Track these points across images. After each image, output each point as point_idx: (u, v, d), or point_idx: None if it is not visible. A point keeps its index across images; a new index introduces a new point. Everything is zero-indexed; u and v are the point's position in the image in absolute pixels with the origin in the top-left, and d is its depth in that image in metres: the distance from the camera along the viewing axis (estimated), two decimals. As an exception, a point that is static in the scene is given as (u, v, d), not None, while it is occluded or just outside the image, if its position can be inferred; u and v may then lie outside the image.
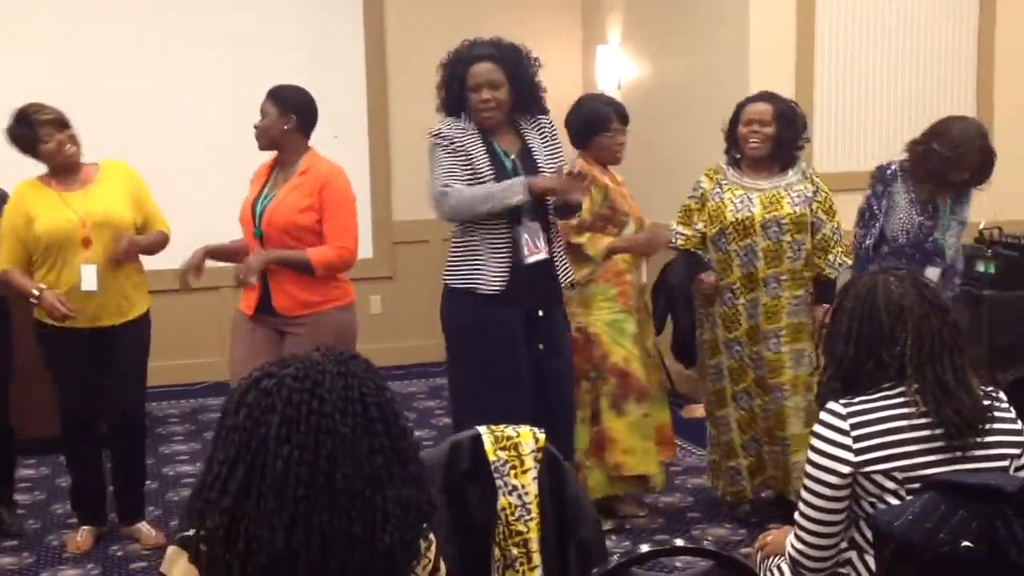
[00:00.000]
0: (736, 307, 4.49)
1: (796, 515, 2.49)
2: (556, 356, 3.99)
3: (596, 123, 4.56)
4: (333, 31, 7.28)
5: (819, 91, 5.89)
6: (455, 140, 3.88)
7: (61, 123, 4.27)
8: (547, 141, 4.03)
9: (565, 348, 4.09)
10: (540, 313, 3.93)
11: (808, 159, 5.22)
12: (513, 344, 3.87)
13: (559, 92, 7.53)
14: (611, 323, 4.52)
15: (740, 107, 4.52)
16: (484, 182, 3.83)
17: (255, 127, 4.19)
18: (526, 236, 3.85)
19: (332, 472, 1.64)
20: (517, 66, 3.95)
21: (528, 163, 3.92)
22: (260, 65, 6.41)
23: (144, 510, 4.64)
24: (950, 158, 4.26)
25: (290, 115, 4.16)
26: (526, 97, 3.97)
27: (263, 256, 4.08)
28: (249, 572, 1.62)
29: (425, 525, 1.75)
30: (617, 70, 7.25)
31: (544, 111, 4.07)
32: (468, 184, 3.84)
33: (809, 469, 2.42)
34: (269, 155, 4.31)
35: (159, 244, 4.42)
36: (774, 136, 4.42)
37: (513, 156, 3.93)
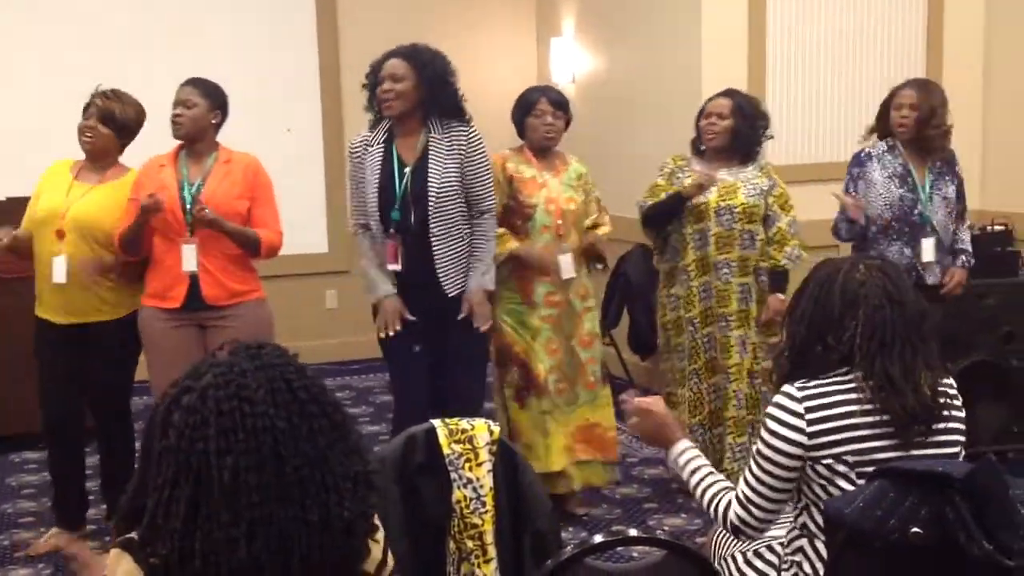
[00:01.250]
0: (691, 289, 4.65)
1: (742, 486, 2.49)
2: (441, 348, 4.20)
3: (525, 106, 4.61)
4: (286, 24, 7.24)
5: (770, 84, 5.93)
6: (356, 156, 4.22)
7: (102, 113, 4.24)
8: (456, 151, 4.14)
9: (456, 342, 4.21)
10: (413, 318, 4.15)
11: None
12: (396, 341, 4.16)
13: (513, 84, 7.52)
14: (511, 312, 4.56)
15: (704, 105, 4.71)
16: (369, 197, 4.14)
17: (176, 115, 4.17)
18: (389, 245, 4.14)
19: (281, 468, 1.63)
20: (428, 65, 4.10)
21: (418, 178, 4.10)
22: (210, 59, 6.34)
23: None
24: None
25: (217, 110, 4.23)
26: (439, 97, 4.12)
27: (222, 222, 4.09)
28: None
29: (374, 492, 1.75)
30: (571, 62, 7.26)
31: (464, 120, 4.21)
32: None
33: (761, 447, 2.44)
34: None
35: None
36: (731, 129, 4.61)
37: (408, 168, 4.12)
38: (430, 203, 4.09)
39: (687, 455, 2.62)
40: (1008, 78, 6.13)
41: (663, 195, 4.66)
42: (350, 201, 4.36)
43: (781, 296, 4.59)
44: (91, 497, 4.74)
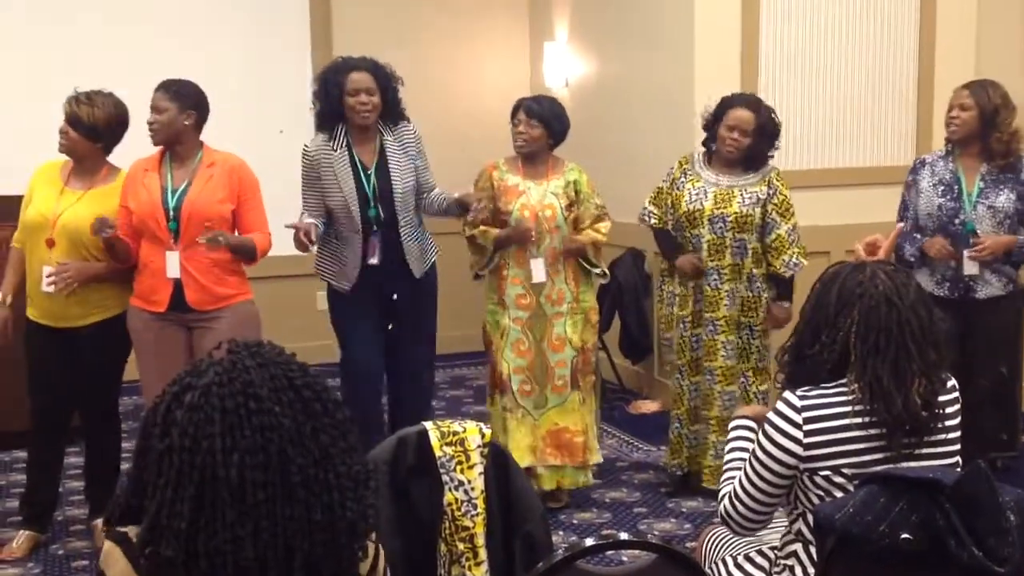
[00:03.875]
0: (687, 288, 4.72)
1: (737, 482, 2.51)
2: (404, 329, 4.63)
3: (511, 115, 4.75)
4: (279, 25, 7.23)
5: (763, 88, 5.93)
6: (313, 159, 4.51)
7: (69, 117, 4.22)
8: (407, 148, 4.56)
9: (414, 322, 4.64)
10: (394, 297, 4.56)
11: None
12: (356, 325, 4.61)
13: (506, 89, 7.58)
14: (489, 312, 4.75)
15: (726, 105, 4.65)
16: (347, 199, 4.45)
17: (150, 122, 4.18)
18: (372, 243, 4.49)
19: (286, 467, 1.62)
20: (386, 78, 4.51)
21: (382, 175, 4.50)
22: (203, 60, 6.33)
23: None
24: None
25: (190, 111, 4.21)
26: (392, 106, 4.54)
27: (230, 240, 4.15)
28: None
29: (372, 488, 1.75)
30: (565, 67, 7.27)
31: (406, 119, 4.61)
32: (321, 202, 4.51)
33: (758, 452, 2.45)
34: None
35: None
36: (751, 145, 4.62)
37: (371, 171, 4.49)
38: (396, 200, 4.49)
39: (737, 431, 2.75)
40: (999, 79, 6.13)
41: (665, 212, 4.78)
42: (302, 200, 4.59)
43: (785, 304, 4.63)
44: (73, 498, 4.75)
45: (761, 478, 2.45)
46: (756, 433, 2.52)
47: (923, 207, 4.53)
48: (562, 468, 4.73)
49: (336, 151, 4.49)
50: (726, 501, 2.54)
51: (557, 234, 4.64)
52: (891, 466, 2.34)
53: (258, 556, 1.59)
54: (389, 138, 4.54)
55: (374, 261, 4.49)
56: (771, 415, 2.45)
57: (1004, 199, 4.45)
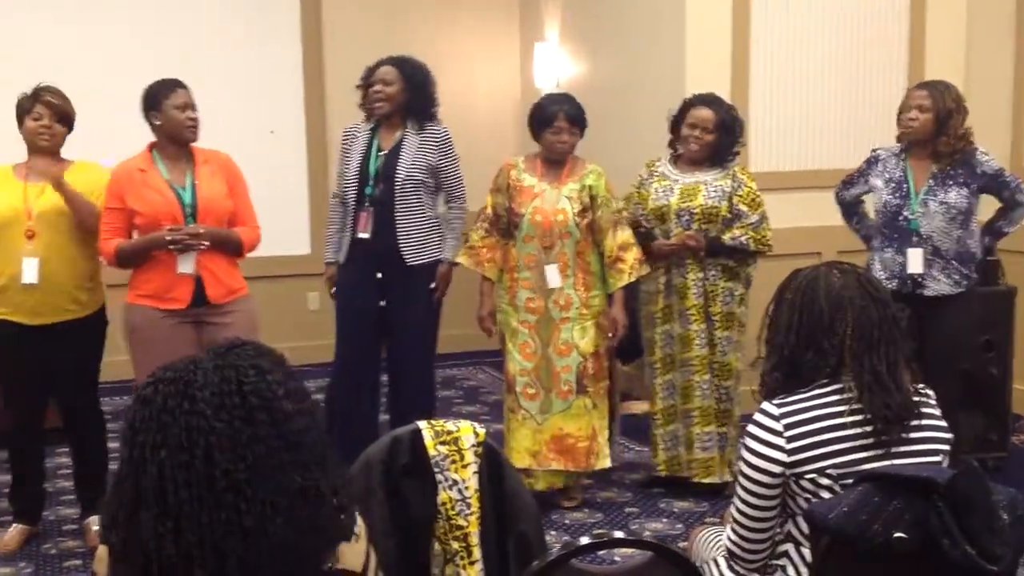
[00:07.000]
0: (658, 284, 4.79)
1: (731, 509, 2.53)
2: (397, 312, 4.84)
3: (542, 120, 4.70)
4: (271, 27, 7.22)
5: (754, 90, 5.96)
6: (346, 139, 4.97)
7: (58, 112, 4.24)
8: (427, 145, 4.81)
9: (406, 306, 4.84)
10: (379, 276, 4.78)
11: (744, 157, 5.30)
12: (349, 296, 4.92)
13: (497, 89, 7.60)
14: (501, 311, 4.78)
15: (687, 106, 4.78)
16: (350, 173, 4.86)
17: (195, 118, 4.24)
18: (361, 216, 4.80)
19: (211, 470, 1.60)
20: (413, 75, 4.83)
21: (390, 160, 4.79)
22: (194, 61, 6.33)
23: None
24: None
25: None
26: (418, 102, 4.83)
27: (212, 230, 4.20)
28: None
29: (350, 507, 1.73)
30: (555, 68, 7.27)
31: (437, 122, 4.88)
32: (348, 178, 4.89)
33: (743, 467, 2.46)
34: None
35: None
36: (714, 142, 4.71)
37: (384, 153, 4.81)
38: (396, 183, 4.73)
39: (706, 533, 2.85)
40: (989, 75, 6.15)
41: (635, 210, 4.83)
42: (338, 183, 5.05)
43: (693, 244, 4.66)
44: (64, 497, 4.74)
45: (753, 494, 2.45)
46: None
47: (875, 203, 4.63)
48: (560, 472, 4.74)
49: (361, 132, 4.90)
50: (727, 534, 2.55)
51: (568, 240, 4.62)
52: (885, 464, 2.35)
53: (181, 554, 1.58)
54: (411, 132, 4.81)
55: (364, 235, 4.77)
56: (751, 428, 2.46)
57: (955, 195, 4.45)
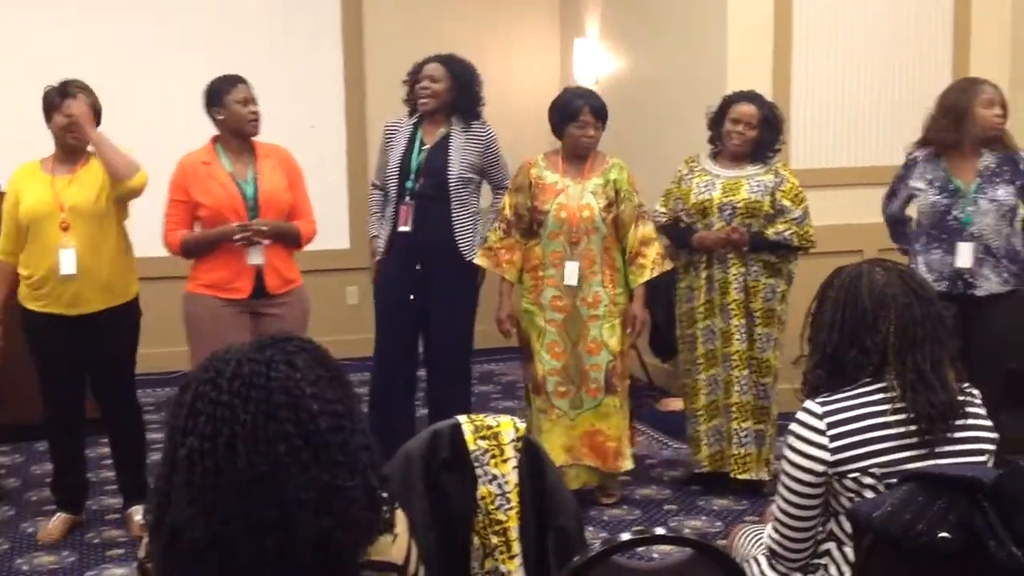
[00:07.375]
0: (700, 280, 4.75)
1: (773, 508, 2.52)
2: (437, 305, 4.84)
3: (566, 113, 4.67)
4: (312, 24, 7.26)
5: (796, 86, 5.92)
6: (389, 132, 4.99)
7: (94, 108, 4.29)
8: (472, 143, 4.83)
9: (448, 299, 4.85)
10: (418, 267, 4.79)
11: (785, 154, 5.27)
12: (387, 291, 4.95)
13: (536, 85, 7.58)
14: (525, 310, 4.74)
15: (728, 103, 4.77)
16: (392, 167, 4.88)
17: (257, 112, 4.35)
18: (402, 209, 4.82)
19: (233, 460, 1.62)
20: (461, 74, 4.88)
21: (434, 155, 4.82)
22: (236, 57, 6.34)
23: (145, 494, 4.61)
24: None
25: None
26: (465, 100, 4.87)
27: (274, 223, 4.33)
28: (174, 561, 1.64)
29: (383, 507, 1.73)
30: (595, 64, 7.26)
31: (482, 121, 4.92)
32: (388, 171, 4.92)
33: (786, 466, 2.45)
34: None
35: None
36: (756, 138, 4.70)
37: (427, 147, 4.83)
38: (448, 179, 4.77)
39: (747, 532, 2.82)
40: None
41: (674, 207, 4.83)
42: (376, 173, 5.14)
43: (735, 227, 4.65)
44: (107, 487, 4.78)
45: (795, 493, 2.44)
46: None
47: (921, 205, 4.56)
48: (594, 470, 4.73)
49: (404, 127, 4.93)
50: (769, 533, 2.54)
51: (595, 235, 4.59)
52: (929, 463, 2.34)
53: (207, 538, 1.60)
54: (456, 129, 4.84)
55: (405, 228, 4.77)
56: (794, 427, 2.45)
57: (1003, 192, 4.43)
